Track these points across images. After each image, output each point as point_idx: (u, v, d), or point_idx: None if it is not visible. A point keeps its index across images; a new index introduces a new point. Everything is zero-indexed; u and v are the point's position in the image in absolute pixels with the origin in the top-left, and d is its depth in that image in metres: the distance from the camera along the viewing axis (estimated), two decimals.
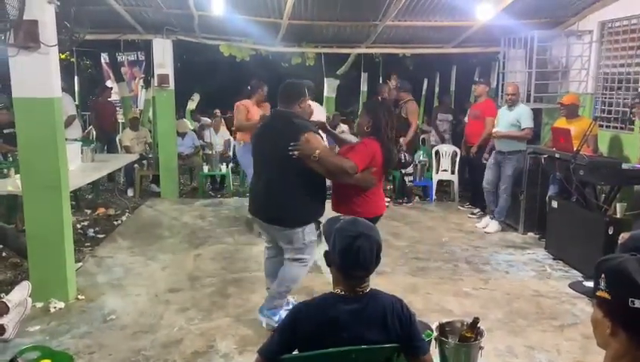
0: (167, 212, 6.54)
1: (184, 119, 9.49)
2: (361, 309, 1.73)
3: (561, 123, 5.30)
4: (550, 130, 5.60)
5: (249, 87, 5.78)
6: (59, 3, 3.57)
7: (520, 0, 5.43)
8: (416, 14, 6.26)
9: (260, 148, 3.36)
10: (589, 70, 5.96)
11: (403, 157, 6.96)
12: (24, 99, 3.56)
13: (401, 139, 6.87)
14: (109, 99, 9.30)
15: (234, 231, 5.73)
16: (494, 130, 5.73)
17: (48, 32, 3.48)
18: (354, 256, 1.71)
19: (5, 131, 7.09)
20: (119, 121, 11.11)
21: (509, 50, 6.59)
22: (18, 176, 4.78)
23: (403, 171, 7.07)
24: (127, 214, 6.42)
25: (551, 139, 5.35)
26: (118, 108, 11.23)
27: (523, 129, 5.53)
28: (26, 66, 3.50)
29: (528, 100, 5.93)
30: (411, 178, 7.15)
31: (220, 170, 7.63)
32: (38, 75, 3.53)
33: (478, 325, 2.21)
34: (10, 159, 6.11)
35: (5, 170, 5.54)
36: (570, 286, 4.26)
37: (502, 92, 6.75)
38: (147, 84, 10.96)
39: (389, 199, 7.18)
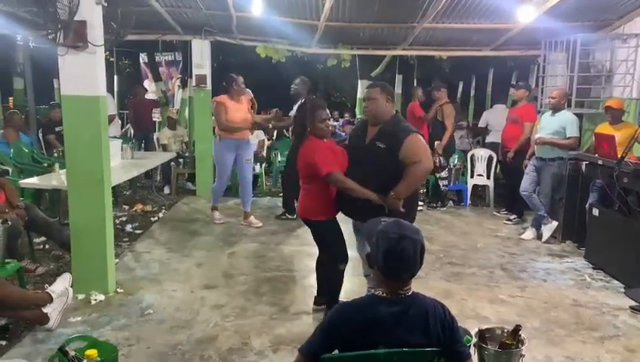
0: (203, 210, 6.64)
1: None
2: (403, 312, 1.72)
3: (604, 128, 5.15)
4: (592, 135, 5.45)
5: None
6: (106, 4, 3.68)
7: (563, 2, 5.30)
8: (454, 16, 6.18)
9: None
10: (634, 75, 5.77)
11: (438, 161, 6.92)
12: (72, 97, 3.68)
13: (436, 143, 6.81)
14: (146, 97, 9.53)
15: (267, 230, 5.78)
16: (537, 135, 5.59)
17: (96, 32, 3.58)
18: (398, 257, 1.71)
19: (57, 129, 7.40)
20: (156, 119, 11.38)
21: (550, 53, 6.44)
22: (62, 171, 4.96)
23: (437, 175, 7.00)
24: (163, 211, 6.56)
25: (593, 144, 5.21)
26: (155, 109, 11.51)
27: (569, 137, 5.38)
28: (73, 65, 3.61)
29: (569, 105, 5.78)
30: (446, 182, 7.06)
31: (254, 169, 7.70)
32: (85, 73, 3.64)
33: (520, 333, 2.18)
34: (56, 155, 6.33)
35: (48, 165, 5.75)
36: (627, 293, 4.14)
37: (541, 96, 6.61)
38: (184, 83, 11.18)
39: (422, 203, 7.12)
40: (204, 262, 4.72)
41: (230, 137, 5.71)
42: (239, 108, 5.72)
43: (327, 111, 3.57)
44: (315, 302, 3.74)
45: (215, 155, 6.04)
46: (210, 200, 7.26)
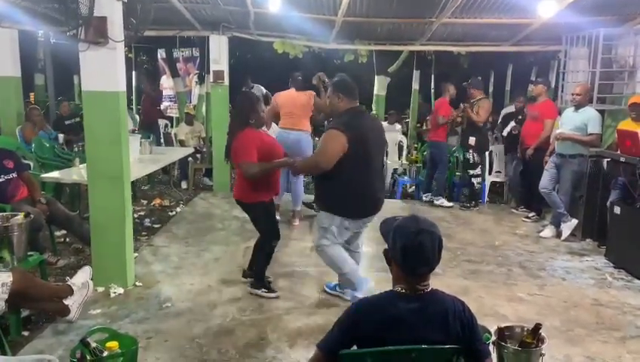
0: (219, 205, 6.68)
1: None
2: (422, 308, 1.71)
3: (627, 125, 5.04)
4: (614, 132, 5.35)
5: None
6: (126, 0, 3.71)
7: None
8: (473, 11, 6.10)
9: (373, 144, 3.47)
10: None
11: (472, 158, 6.79)
12: (92, 93, 3.72)
13: (471, 139, 6.70)
14: (153, 92, 9.71)
15: (283, 226, 5.77)
16: (558, 131, 5.51)
17: (116, 28, 3.61)
18: (416, 251, 1.70)
19: (67, 122, 7.50)
20: (172, 115, 11.48)
21: (572, 48, 6.33)
22: (82, 166, 5.03)
23: (471, 172, 6.88)
24: (181, 206, 6.62)
25: (615, 141, 5.11)
26: (172, 103, 11.61)
27: (590, 134, 5.28)
28: (94, 61, 3.65)
29: (591, 101, 5.67)
30: (479, 179, 6.95)
31: None
32: (106, 69, 3.67)
33: (540, 331, 2.15)
34: (76, 150, 6.41)
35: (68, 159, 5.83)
36: None
37: (562, 92, 6.51)
38: (201, 79, 11.26)
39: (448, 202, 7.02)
40: (222, 257, 4.75)
41: None
42: None
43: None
44: (244, 275, 4.10)
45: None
46: (226, 195, 7.28)
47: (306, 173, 3.72)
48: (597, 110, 5.49)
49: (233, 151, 3.68)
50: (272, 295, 3.86)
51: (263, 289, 3.87)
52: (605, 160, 5.04)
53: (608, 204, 4.99)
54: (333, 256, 3.58)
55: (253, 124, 3.70)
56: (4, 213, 3.62)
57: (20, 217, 3.45)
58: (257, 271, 3.93)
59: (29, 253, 3.57)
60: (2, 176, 4.17)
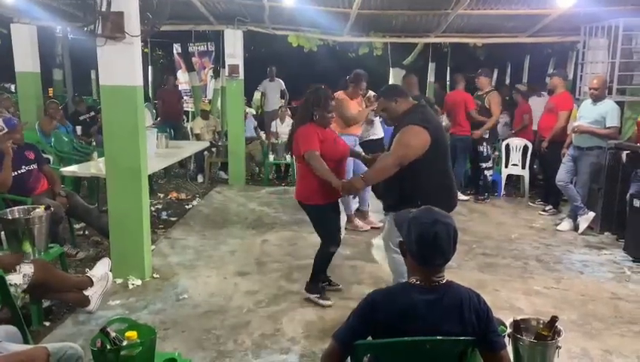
0: (235, 198, 6.74)
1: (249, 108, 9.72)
2: (437, 300, 1.71)
3: None
4: (634, 124, 5.26)
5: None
6: None
7: None
8: (490, 2, 6.03)
9: (445, 140, 3.36)
10: None
11: (485, 151, 6.71)
12: (110, 87, 3.77)
13: (474, 132, 6.61)
14: (175, 88, 9.68)
15: (299, 219, 5.80)
16: (575, 124, 5.43)
17: (133, 22, 3.65)
18: (431, 242, 1.70)
19: (81, 118, 7.61)
20: (188, 109, 11.54)
21: (590, 39, 6.23)
22: (100, 159, 5.10)
23: (483, 165, 6.80)
24: (197, 199, 6.68)
25: (635, 133, 5.03)
26: (187, 98, 11.67)
27: (608, 127, 5.19)
28: (112, 56, 3.69)
29: (610, 93, 5.58)
30: (491, 172, 6.86)
31: (285, 159, 7.75)
32: (123, 64, 3.71)
33: (556, 324, 2.14)
34: (94, 144, 6.50)
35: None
36: None
37: (580, 84, 6.41)
38: (216, 74, 11.30)
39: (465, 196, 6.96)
40: (238, 249, 4.80)
41: None
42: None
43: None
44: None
45: None
46: (242, 188, 7.34)
47: (375, 182, 3.29)
48: (616, 102, 5.39)
49: (295, 144, 3.54)
50: (326, 303, 3.66)
51: (316, 295, 3.70)
52: (625, 152, 4.95)
53: (628, 196, 4.91)
54: None
55: (316, 120, 3.53)
56: (26, 206, 3.70)
57: (40, 210, 3.53)
58: (312, 275, 3.73)
59: (50, 245, 3.64)
60: (24, 166, 4.25)
